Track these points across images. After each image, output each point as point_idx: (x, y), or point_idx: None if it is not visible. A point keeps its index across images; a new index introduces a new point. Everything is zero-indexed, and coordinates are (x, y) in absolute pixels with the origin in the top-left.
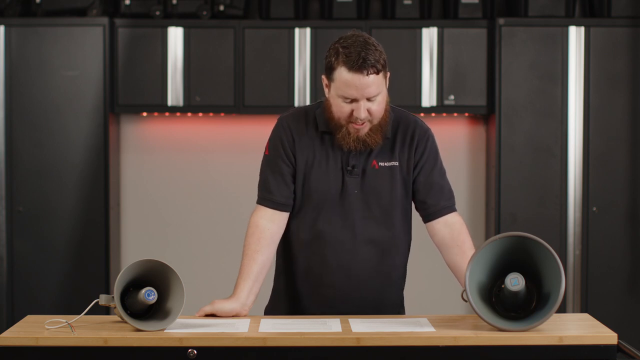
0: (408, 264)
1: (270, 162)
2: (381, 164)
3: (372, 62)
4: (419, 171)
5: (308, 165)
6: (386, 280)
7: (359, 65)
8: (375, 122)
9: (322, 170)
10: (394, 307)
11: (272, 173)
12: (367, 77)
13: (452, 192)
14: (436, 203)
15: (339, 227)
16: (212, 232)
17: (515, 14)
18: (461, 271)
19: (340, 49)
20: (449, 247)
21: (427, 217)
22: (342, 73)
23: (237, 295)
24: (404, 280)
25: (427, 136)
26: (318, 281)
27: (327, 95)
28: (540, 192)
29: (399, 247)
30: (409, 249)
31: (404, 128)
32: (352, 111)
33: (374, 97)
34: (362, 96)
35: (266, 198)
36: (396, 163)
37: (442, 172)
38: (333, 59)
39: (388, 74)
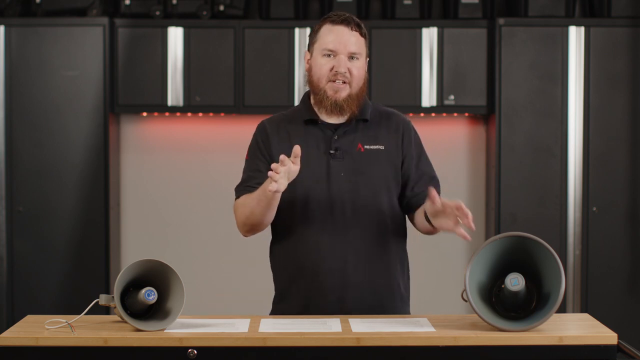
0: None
1: (248, 163)
2: (366, 147)
3: (357, 21)
4: (409, 161)
5: (288, 155)
6: (381, 263)
7: (343, 18)
8: (354, 89)
9: (303, 158)
10: (394, 293)
11: (250, 171)
12: (351, 31)
13: (438, 181)
14: (425, 190)
15: (329, 211)
16: (212, 232)
17: (515, 14)
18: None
19: (326, 15)
20: (419, 212)
21: (417, 205)
22: (326, 27)
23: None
24: (404, 267)
25: (411, 127)
26: (315, 269)
27: (307, 70)
28: (540, 192)
29: (390, 230)
30: (405, 234)
31: (386, 117)
32: (333, 67)
33: (355, 54)
34: (345, 48)
35: (243, 188)
36: (382, 147)
37: (429, 162)
38: (317, 26)
39: (367, 58)
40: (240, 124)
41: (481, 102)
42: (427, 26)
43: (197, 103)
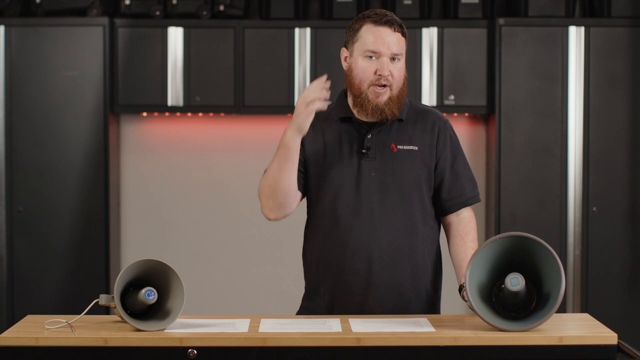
0: None
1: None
2: (400, 147)
3: (399, 22)
4: (443, 162)
5: (320, 154)
6: (408, 265)
7: (385, 20)
8: (395, 91)
9: (335, 155)
10: (421, 295)
11: None
12: (394, 32)
13: (476, 183)
14: (461, 194)
15: (357, 211)
16: (212, 232)
17: (515, 14)
18: (458, 258)
19: (366, 14)
20: (452, 236)
21: (451, 211)
22: (368, 28)
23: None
24: (436, 269)
25: (448, 126)
26: (340, 268)
27: (346, 68)
28: (540, 192)
29: (419, 232)
30: (437, 236)
31: (422, 116)
32: (376, 70)
33: (397, 55)
34: (388, 49)
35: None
36: (415, 147)
37: (466, 162)
38: (357, 24)
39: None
40: (240, 124)
41: (481, 102)
42: (427, 26)
43: (197, 103)
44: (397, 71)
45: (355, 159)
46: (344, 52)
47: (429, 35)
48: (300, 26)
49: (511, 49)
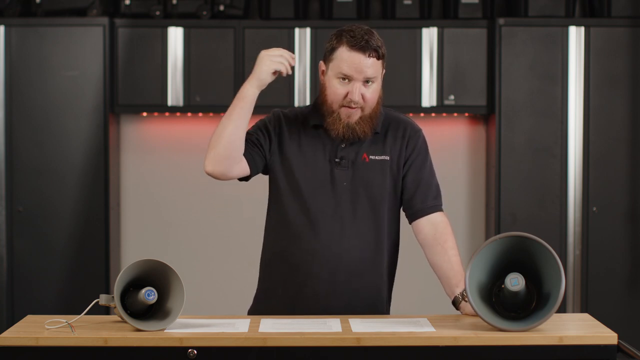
0: (407, 263)
1: (250, 131)
2: (372, 157)
3: (374, 46)
4: (408, 168)
5: (294, 157)
6: (373, 275)
7: (361, 45)
8: (367, 111)
9: (309, 162)
10: (381, 303)
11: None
12: (367, 58)
13: (439, 192)
14: (423, 201)
15: (327, 220)
16: (212, 232)
17: (515, 14)
18: (442, 271)
19: (344, 32)
20: (431, 245)
21: (414, 215)
22: (343, 51)
23: None
24: (392, 278)
25: (419, 135)
26: (306, 274)
27: (322, 82)
28: (540, 192)
29: (386, 242)
30: (398, 247)
31: (395, 125)
32: (347, 93)
33: (370, 79)
34: (360, 75)
35: None
36: (387, 157)
37: (432, 171)
38: (335, 42)
39: (384, 71)
40: None
41: (481, 102)
42: (427, 26)
43: (197, 103)
44: (369, 93)
45: (328, 167)
46: (321, 66)
47: (429, 35)
48: (300, 26)
49: (511, 49)
